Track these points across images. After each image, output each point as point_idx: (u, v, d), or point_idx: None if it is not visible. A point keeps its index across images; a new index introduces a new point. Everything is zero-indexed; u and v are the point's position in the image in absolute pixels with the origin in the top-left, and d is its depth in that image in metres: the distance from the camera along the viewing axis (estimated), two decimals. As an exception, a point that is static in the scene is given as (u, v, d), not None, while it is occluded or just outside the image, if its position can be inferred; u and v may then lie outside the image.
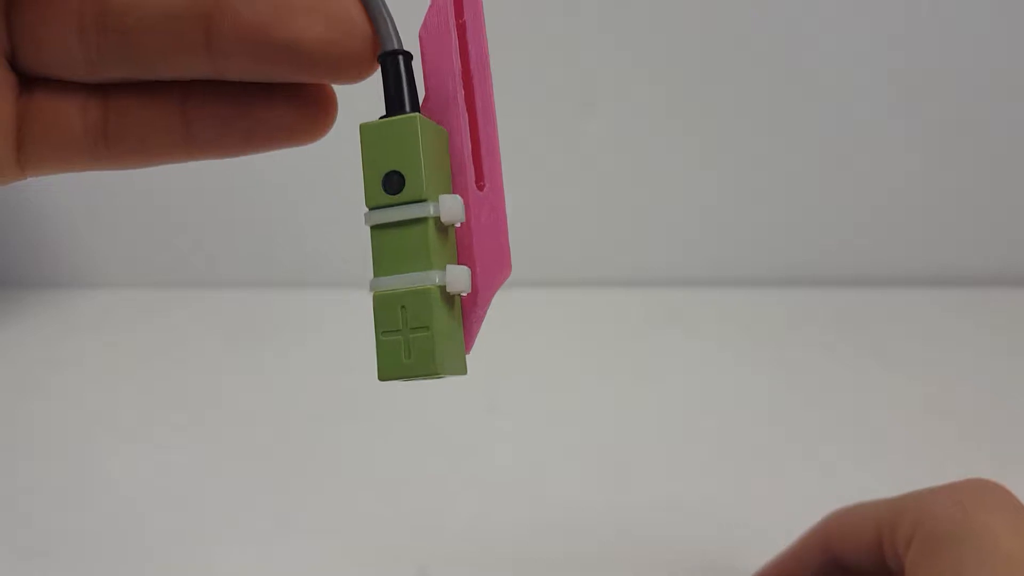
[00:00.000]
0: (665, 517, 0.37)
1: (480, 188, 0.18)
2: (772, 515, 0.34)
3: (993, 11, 0.55)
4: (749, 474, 0.40)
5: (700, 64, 0.57)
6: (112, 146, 0.18)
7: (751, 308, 0.59)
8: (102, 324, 0.62)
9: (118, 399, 0.50)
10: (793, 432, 0.44)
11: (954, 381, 0.48)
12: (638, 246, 0.63)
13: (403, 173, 0.17)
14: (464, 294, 0.17)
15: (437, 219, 0.17)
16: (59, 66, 0.18)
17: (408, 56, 0.17)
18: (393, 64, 0.17)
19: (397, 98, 0.17)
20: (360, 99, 0.22)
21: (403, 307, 0.17)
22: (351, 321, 0.59)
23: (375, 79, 0.18)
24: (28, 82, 0.18)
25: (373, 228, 0.17)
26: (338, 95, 0.19)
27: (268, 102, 0.18)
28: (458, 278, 0.17)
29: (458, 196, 0.17)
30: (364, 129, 0.17)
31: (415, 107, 0.17)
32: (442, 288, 0.17)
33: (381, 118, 0.17)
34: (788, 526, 0.28)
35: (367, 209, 0.17)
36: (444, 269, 0.17)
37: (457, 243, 0.18)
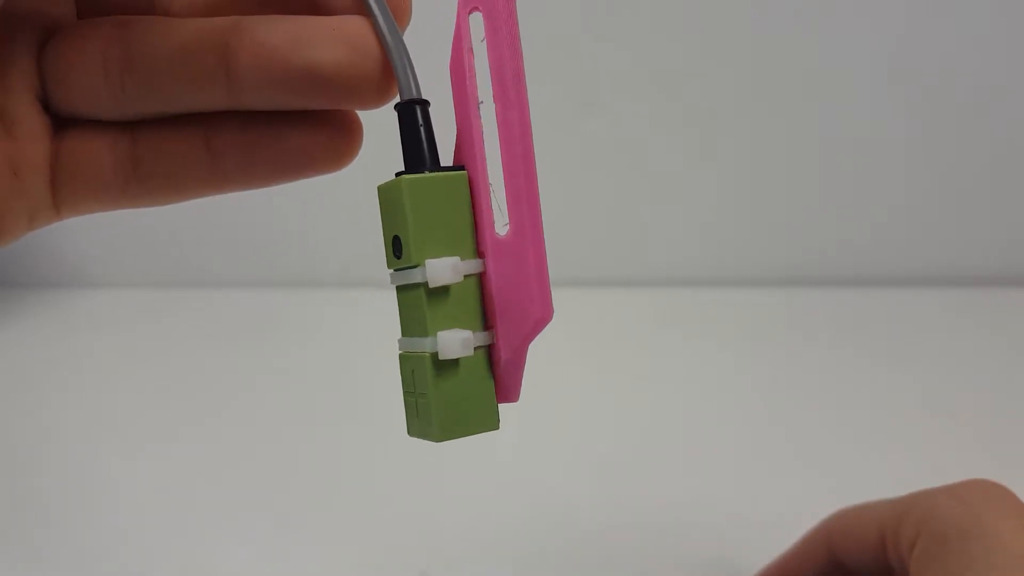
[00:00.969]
0: (665, 517, 0.37)
1: (501, 233, 0.17)
2: (773, 515, 0.34)
3: (993, 11, 0.55)
4: (749, 474, 0.40)
5: (700, 64, 0.57)
6: (143, 182, 0.19)
7: (751, 308, 0.59)
8: (102, 324, 0.62)
9: (118, 399, 0.50)
10: (793, 432, 0.44)
11: (954, 381, 0.48)
12: (638, 246, 0.63)
13: (401, 238, 0.17)
14: (468, 355, 0.17)
15: (426, 284, 0.16)
16: (88, 106, 0.18)
17: (425, 104, 0.17)
18: (408, 114, 0.17)
19: (412, 152, 0.17)
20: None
21: (412, 371, 0.17)
22: (351, 321, 0.59)
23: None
24: (60, 123, 0.19)
25: (396, 289, 0.17)
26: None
27: (292, 131, 0.18)
28: (450, 344, 0.16)
29: (449, 258, 0.16)
30: (379, 191, 0.17)
31: (434, 159, 0.17)
32: (435, 354, 0.16)
33: (397, 174, 0.17)
34: (789, 526, 0.28)
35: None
36: (436, 336, 0.16)
37: (484, 294, 0.17)
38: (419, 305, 0.17)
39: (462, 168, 0.17)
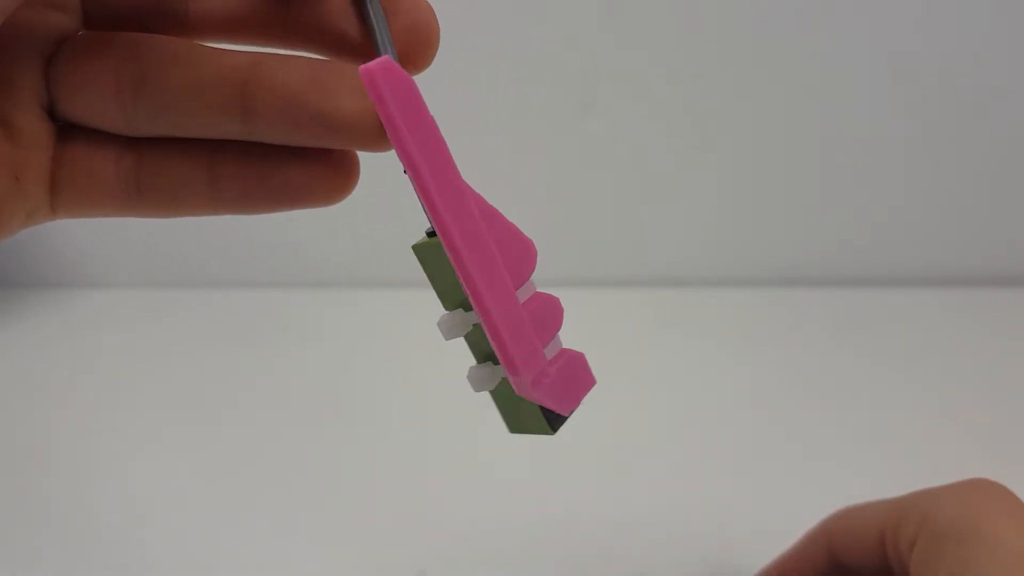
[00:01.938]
0: (665, 517, 0.37)
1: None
2: (773, 515, 0.34)
3: (994, 11, 0.55)
4: (749, 474, 0.40)
5: (701, 64, 0.57)
6: (143, 196, 0.19)
7: (751, 308, 0.59)
8: (102, 324, 0.62)
9: (118, 399, 0.50)
10: (793, 432, 0.44)
11: (954, 381, 0.48)
12: (638, 246, 0.63)
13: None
14: (496, 386, 0.19)
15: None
16: (96, 120, 0.18)
17: None
18: None
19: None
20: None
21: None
22: (352, 321, 0.59)
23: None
24: (66, 129, 0.19)
25: None
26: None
27: (293, 165, 0.18)
28: (475, 379, 0.18)
29: (450, 313, 0.18)
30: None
31: None
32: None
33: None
34: (789, 526, 0.28)
35: None
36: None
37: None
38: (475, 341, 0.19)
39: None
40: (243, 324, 0.60)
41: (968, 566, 0.20)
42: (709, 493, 0.39)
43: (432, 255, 0.18)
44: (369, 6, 0.17)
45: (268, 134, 0.18)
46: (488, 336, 0.17)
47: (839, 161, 0.60)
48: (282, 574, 0.35)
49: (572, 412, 0.19)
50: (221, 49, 0.18)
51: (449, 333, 0.18)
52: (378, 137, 0.17)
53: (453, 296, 0.18)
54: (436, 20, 0.18)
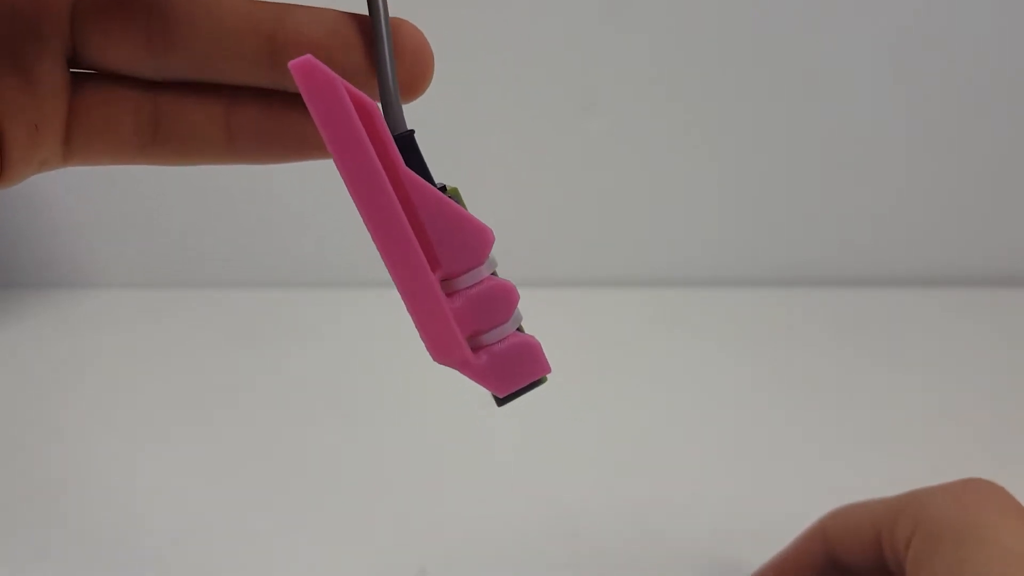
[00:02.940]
0: (665, 517, 0.37)
1: None
2: (772, 514, 0.34)
3: (995, 11, 0.55)
4: (749, 474, 0.40)
5: (701, 65, 0.57)
6: (160, 146, 0.19)
7: (751, 308, 0.59)
8: (102, 324, 0.62)
9: (118, 399, 0.50)
10: (793, 432, 0.44)
11: (954, 381, 0.48)
12: (638, 246, 0.63)
13: None
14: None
15: None
16: (124, 66, 0.19)
17: (411, 134, 0.18)
18: (411, 144, 0.18)
19: (427, 173, 0.18)
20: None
21: None
22: (352, 321, 0.59)
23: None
24: (82, 77, 0.19)
25: None
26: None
27: (310, 116, 0.19)
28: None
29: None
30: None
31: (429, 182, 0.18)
32: None
33: None
34: (788, 526, 0.28)
35: None
36: None
37: None
38: None
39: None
40: (243, 324, 0.60)
41: (963, 565, 0.20)
42: (709, 492, 0.39)
43: None
44: (383, 38, 0.18)
45: (293, 83, 0.18)
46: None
47: (839, 161, 0.60)
48: (282, 574, 0.35)
49: (511, 394, 0.19)
50: (247, 3, 0.18)
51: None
52: (406, 91, 0.18)
53: None
54: (432, 64, 0.19)
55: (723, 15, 0.56)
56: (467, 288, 0.18)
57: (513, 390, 0.19)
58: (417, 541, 0.36)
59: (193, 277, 0.67)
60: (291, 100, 0.19)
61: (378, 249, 0.17)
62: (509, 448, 0.43)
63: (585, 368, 0.51)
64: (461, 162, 0.59)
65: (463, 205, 0.18)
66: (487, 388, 0.19)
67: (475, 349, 0.18)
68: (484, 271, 0.18)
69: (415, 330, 0.18)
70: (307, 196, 0.63)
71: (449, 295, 0.18)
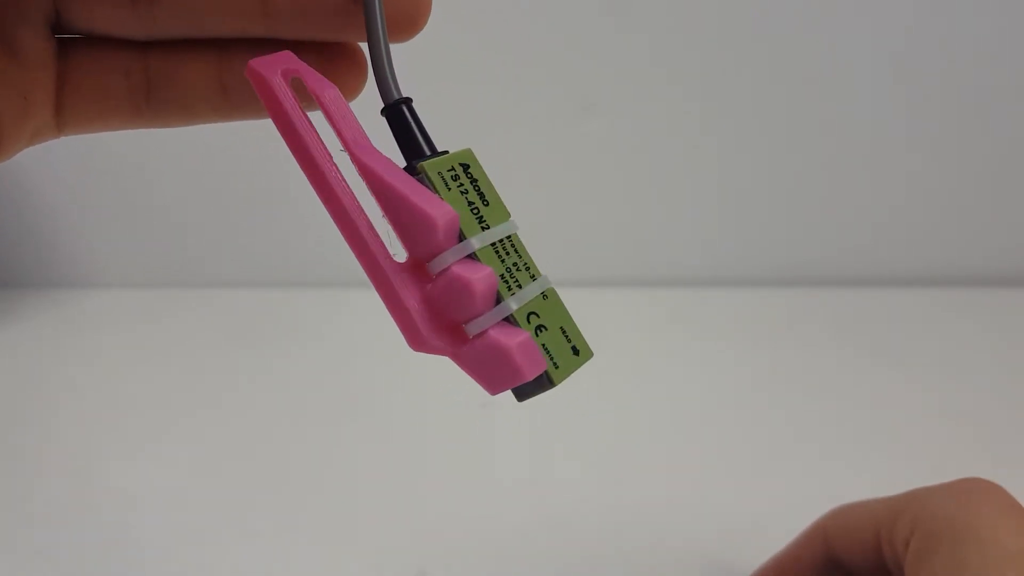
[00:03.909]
0: (665, 517, 0.37)
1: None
2: (772, 515, 0.34)
3: (996, 11, 0.55)
4: (749, 474, 0.40)
5: (701, 65, 0.57)
6: (154, 106, 0.19)
7: (751, 308, 0.59)
8: (102, 324, 0.62)
9: (118, 399, 0.50)
10: (793, 432, 0.44)
11: (954, 381, 0.48)
12: (639, 246, 0.63)
13: (492, 200, 0.18)
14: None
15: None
16: (110, 27, 0.18)
17: (410, 102, 0.18)
18: (400, 114, 0.18)
19: (411, 146, 0.18)
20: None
21: (553, 306, 0.19)
22: (351, 321, 0.59)
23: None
24: (68, 44, 0.19)
25: (493, 246, 0.18)
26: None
27: (307, 62, 0.18)
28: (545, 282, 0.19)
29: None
30: (453, 159, 0.18)
31: (432, 147, 0.18)
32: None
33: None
34: (788, 525, 0.28)
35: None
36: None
37: None
38: (524, 252, 0.18)
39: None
40: (243, 324, 0.60)
41: (962, 565, 0.20)
42: (709, 492, 0.39)
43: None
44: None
45: (286, 30, 0.18)
46: None
47: (839, 161, 0.60)
48: (282, 574, 0.35)
49: (521, 392, 0.18)
50: None
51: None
52: (404, 25, 0.18)
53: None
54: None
55: (723, 15, 0.56)
56: (438, 275, 0.17)
57: (500, 391, 0.18)
58: (417, 541, 0.36)
59: (193, 277, 0.67)
60: (285, 47, 0.18)
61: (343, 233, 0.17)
62: (509, 448, 0.43)
63: (585, 368, 0.51)
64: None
65: (476, 170, 0.18)
66: (480, 383, 0.18)
67: (463, 341, 0.17)
68: (448, 257, 0.17)
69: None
70: (307, 196, 0.63)
71: (428, 282, 0.17)
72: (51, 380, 0.53)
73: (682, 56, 0.57)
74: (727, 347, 0.54)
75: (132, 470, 0.43)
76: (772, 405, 0.47)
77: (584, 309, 0.68)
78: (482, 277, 0.17)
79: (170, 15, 0.18)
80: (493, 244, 0.18)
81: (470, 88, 0.58)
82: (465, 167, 0.18)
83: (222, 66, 0.19)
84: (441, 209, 0.17)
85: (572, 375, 0.18)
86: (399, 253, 0.17)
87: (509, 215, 0.18)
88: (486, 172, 0.18)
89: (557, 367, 0.18)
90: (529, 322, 0.18)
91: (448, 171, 0.18)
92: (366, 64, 0.19)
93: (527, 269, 0.18)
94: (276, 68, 0.17)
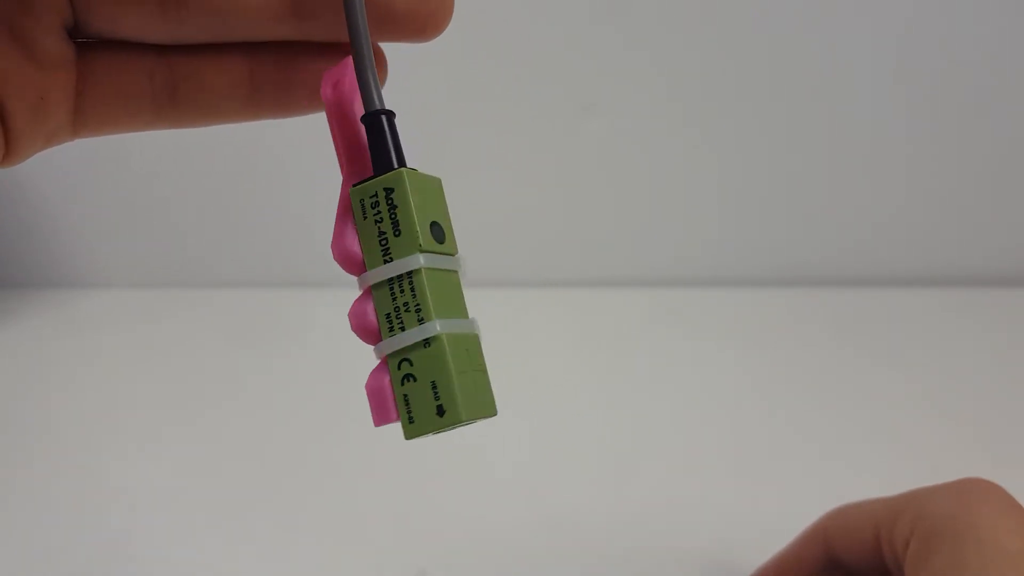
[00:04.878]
0: (665, 517, 0.37)
1: None
2: (772, 514, 0.34)
3: (996, 11, 0.55)
4: (749, 474, 0.40)
5: (700, 65, 0.57)
6: (179, 108, 0.19)
7: (751, 308, 0.59)
8: (102, 324, 0.62)
9: (118, 399, 0.50)
10: (793, 432, 0.44)
11: (954, 381, 0.48)
12: (638, 246, 0.63)
13: (441, 226, 0.18)
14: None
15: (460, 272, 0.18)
16: (135, 32, 0.18)
17: (391, 115, 0.17)
18: (378, 124, 0.17)
19: (380, 157, 0.17)
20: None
21: (467, 350, 0.17)
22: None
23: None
24: (89, 47, 0.19)
25: (426, 271, 0.17)
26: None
27: (326, 62, 0.18)
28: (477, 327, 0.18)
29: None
30: (410, 177, 0.17)
31: (401, 162, 0.17)
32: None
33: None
34: (788, 525, 0.28)
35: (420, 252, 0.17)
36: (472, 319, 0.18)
37: None
38: (458, 289, 0.18)
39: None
40: (243, 324, 0.60)
41: (962, 565, 0.20)
42: (709, 492, 0.39)
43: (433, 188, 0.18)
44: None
45: (319, 32, 0.18)
46: None
47: (839, 161, 0.60)
48: (282, 574, 0.35)
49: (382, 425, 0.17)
50: None
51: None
52: (429, 29, 0.18)
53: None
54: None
55: (723, 15, 0.56)
56: None
57: (377, 424, 0.17)
58: (417, 541, 0.36)
59: (193, 277, 0.67)
60: (313, 48, 0.18)
61: None
62: (509, 449, 0.43)
63: (585, 368, 0.51)
64: (461, 162, 0.59)
65: (399, 195, 0.17)
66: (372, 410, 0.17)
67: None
68: (359, 283, 0.18)
69: None
70: (307, 196, 0.63)
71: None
72: (51, 380, 0.53)
73: (682, 56, 0.57)
74: (727, 347, 0.54)
75: (132, 470, 0.43)
76: (772, 405, 0.47)
77: (584, 309, 0.68)
78: (354, 312, 0.17)
79: (198, 21, 0.18)
80: (389, 279, 0.17)
81: (470, 88, 0.58)
82: (388, 192, 0.17)
83: (252, 67, 0.19)
84: (342, 242, 0.18)
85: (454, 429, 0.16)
86: None
87: (418, 248, 0.17)
88: (429, 195, 0.18)
89: (412, 422, 0.17)
90: (400, 369, 0.17)
91: (370, 197, 0.17)
92: (385, 64, 0.19)
93: (417, 311, 0.17)
94: (343, 79, 0.17)
